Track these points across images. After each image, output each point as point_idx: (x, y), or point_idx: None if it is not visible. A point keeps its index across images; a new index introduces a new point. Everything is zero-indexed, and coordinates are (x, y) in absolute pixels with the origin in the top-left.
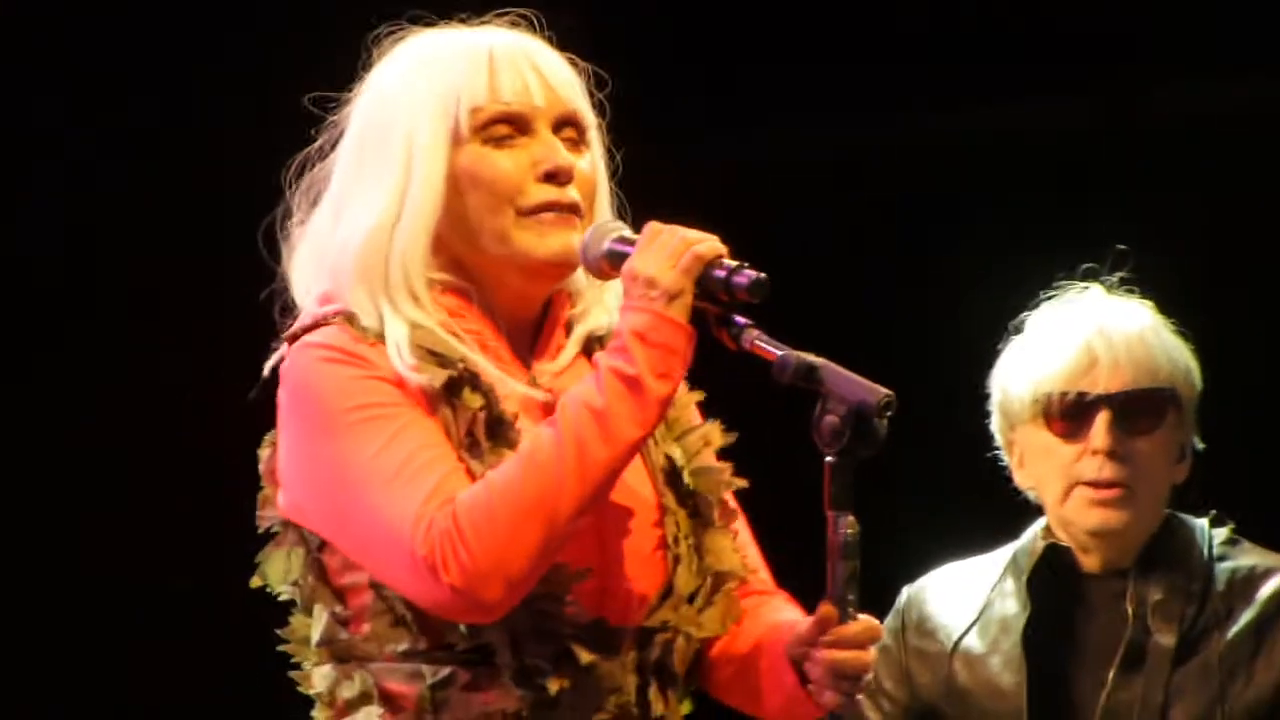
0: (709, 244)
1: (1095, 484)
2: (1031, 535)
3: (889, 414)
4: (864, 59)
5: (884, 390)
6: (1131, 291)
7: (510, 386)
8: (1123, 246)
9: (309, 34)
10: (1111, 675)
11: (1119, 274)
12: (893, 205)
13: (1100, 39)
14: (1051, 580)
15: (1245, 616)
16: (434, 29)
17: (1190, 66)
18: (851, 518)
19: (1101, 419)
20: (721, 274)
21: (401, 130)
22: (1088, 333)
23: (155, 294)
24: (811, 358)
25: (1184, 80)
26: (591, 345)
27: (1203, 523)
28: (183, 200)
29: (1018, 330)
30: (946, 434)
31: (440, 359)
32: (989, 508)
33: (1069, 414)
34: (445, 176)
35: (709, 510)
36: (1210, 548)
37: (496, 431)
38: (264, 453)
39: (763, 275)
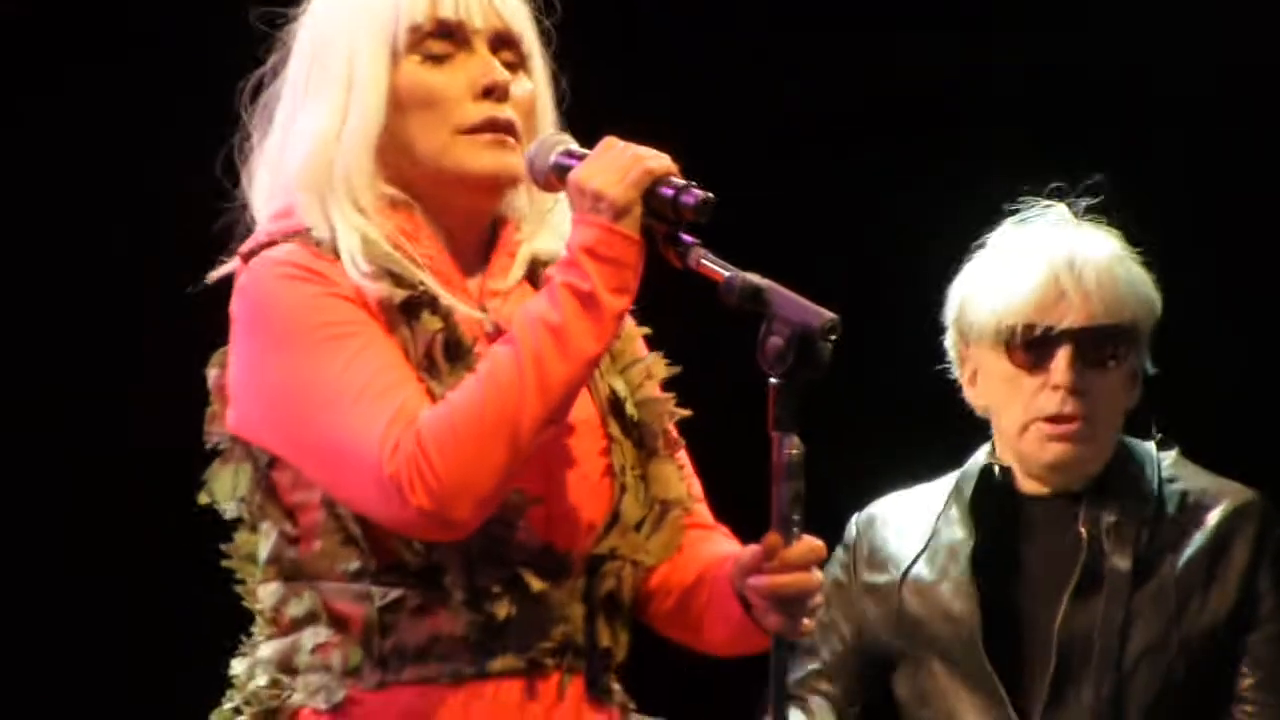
0: (660, 160)
1: (1055, 419)
2: (975, 460)
3: (833, 337)
4: None
5: (829, 313)
6: (1099, 220)
7: (463, 311)
8: (1096, 176)
9: None
10: (1067, 598)
11: (1086, 201)
12: (849, 133)
13: None
14: (996, 504)
15: (1198, 540)
16: None
17: None
18: (796, 439)
19: (1064, 354)
20: (669, 192)
21: (342, 48)
22: (1056, 264)
23: None
24: (757, 279)
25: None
26: (537, 269)
27: (1151, 446)
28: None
29: (980, 247)
30: (897, 355)
31: (396, 279)
32: (939, 430)
33: (1032, 346)
34: (385, 95)
35: (653, 440)
36: (1160, 471)
37: (455, 354)
38: (213, 371)
39: (710, 195)
